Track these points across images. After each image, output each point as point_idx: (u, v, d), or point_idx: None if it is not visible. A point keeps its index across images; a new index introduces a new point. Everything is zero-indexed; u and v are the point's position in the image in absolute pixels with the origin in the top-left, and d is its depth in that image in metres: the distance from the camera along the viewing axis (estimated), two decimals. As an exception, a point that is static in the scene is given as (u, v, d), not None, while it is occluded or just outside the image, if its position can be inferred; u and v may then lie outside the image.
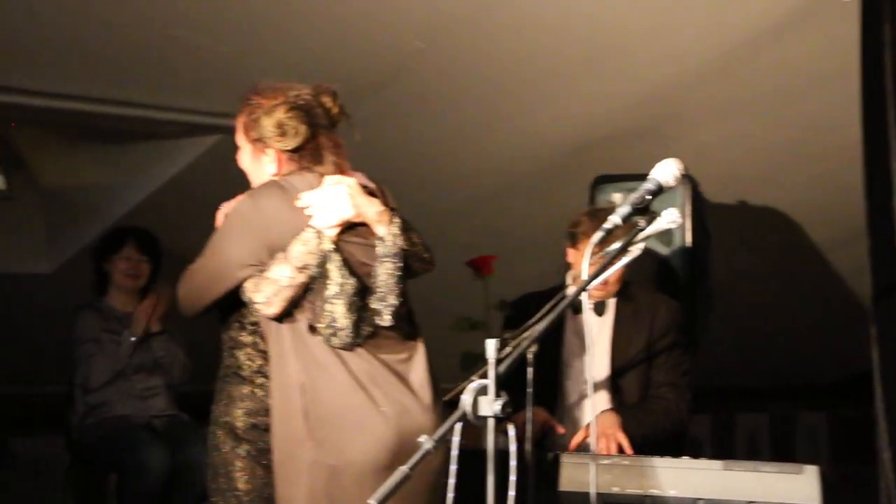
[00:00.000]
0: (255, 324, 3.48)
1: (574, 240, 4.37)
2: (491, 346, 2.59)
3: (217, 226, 3.48)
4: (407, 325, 3.43)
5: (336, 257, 3.25)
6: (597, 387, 4.38)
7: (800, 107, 6.02)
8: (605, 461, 3.75)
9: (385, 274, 3.34)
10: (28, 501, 5.49)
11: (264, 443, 3.47)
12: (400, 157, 6.09)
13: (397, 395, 3.28)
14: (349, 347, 3.25)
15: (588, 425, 4.22)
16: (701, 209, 5.37)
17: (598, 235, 2.98)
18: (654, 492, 3.65)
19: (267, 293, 3.24)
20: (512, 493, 2.62)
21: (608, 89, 5.75)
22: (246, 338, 3.52)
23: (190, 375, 5.65)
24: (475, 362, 4.39)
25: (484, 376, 2.60)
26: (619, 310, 4.45)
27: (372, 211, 3.33)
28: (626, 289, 4.48)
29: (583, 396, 4.38)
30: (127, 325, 5.57)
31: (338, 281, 3.24)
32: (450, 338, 4.60)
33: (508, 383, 2.62)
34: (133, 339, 5.51)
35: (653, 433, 4.24)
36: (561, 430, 4.25)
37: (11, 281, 6.21)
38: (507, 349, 2.68)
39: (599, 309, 4.42)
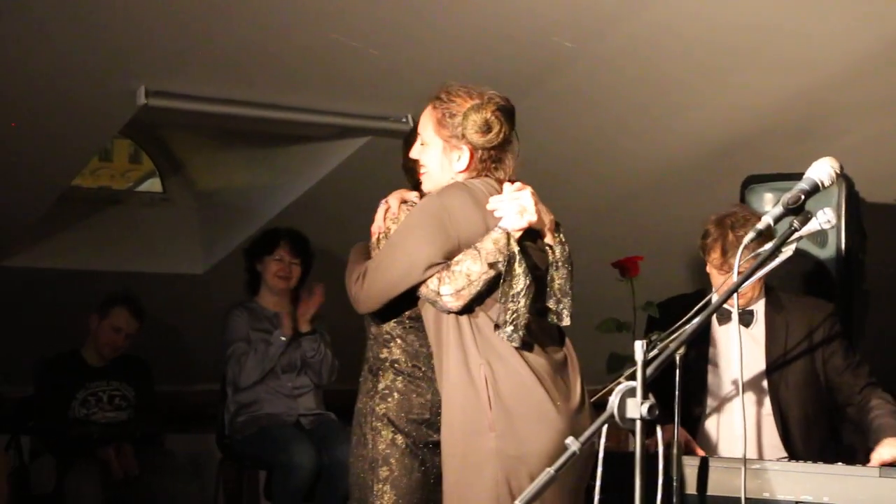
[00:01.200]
0: (414, 318, 3.59)
1: (704, 252, 4.28)
2: (639, 347, 2.57)
3: (382, 220, 3.62)
4: (559, 328, 3.55)
5: (521, 258, 3.35)
6: (751, 396, 4.28)
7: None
8: (755, 466, 3.68)
9: (561, 278, 3.52)
10: (180, 497, 5.61)
11: (418, 435, 3.58)
12: (549, 158, 6.06)
13: (564, 392, 3.39)
14: (525, 344, 3.34)
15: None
16: (856, 209, 5.23)
17: (748, 237, 2.93)
18: (806, 498, 3.57)
19: (457, 285, 3.33)
20: (660, 495, 2.59)
21: (760, 88, 5.66)
22: (404, 332, 3.63)
23: (337, 375, 5.72)
24: (622, 364, 4.34)
25: (631, 378, 2.58)
26: (769, 319, 4.32)
27: (547, 219, 3.50)
28: (774, 296, 4.34)
29: (728, 404, 4.29)
30: (277, 326, 5.65)
31: (523, 280, 3.34)
32: (596, 338, 4.58)
33: (652, 386, 2.59)
34: (283, 338, 5.60)
35: None
36: (700, 452, 4.16)
37: (167, 281, 6.36)
38: (655, 351, 2.66)
39: (746, 320, 4.30)
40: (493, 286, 3.35)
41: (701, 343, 4.29)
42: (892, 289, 6.58)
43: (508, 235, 3.35)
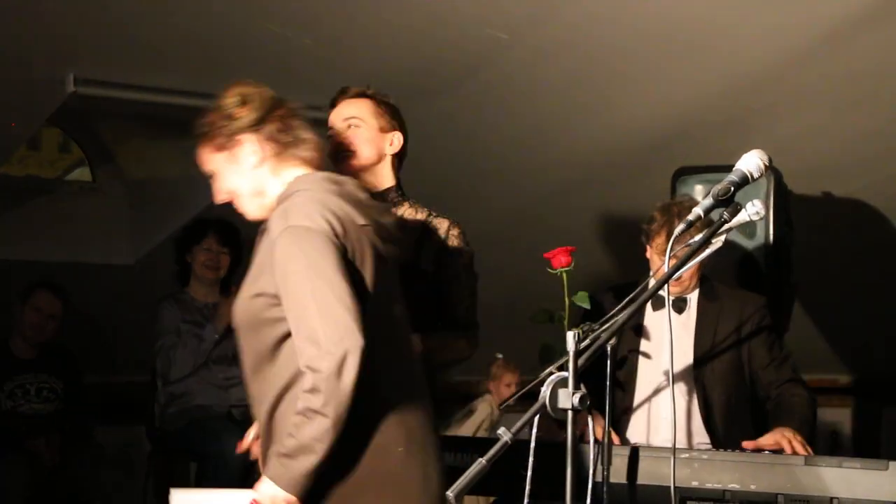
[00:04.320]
0: None
1: (648, 237, 4.33)
2: (571, 338, 2.58)
3: None
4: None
5: None
6: (680, 384, 4.33)
7: (885, 97, 5.93)
8: (684, 455, 3.72)
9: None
10: (110, 489, 5.57)
11: None
12: (480, 151, 6.09)
13: (434, 456, 3.05)
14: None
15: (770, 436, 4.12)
16: (785, 201, 5.30)
17: (679, 228, 2.95)
18: (734, 486, 3.61)
19: None
20: (590, 484, 2.61)
21: (690, 81, 5.70)
22: None
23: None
24: (554, 355, 4.37)
25: (563, 368, 2.59)
26: (701, 307, 4.39)
27: None
28: (708, 286, 4.41)
29: (658, 391, 4.34)
30: (207, 317, 5.62)
31: None
32: (529, 330, 4.60)
33: (585, 375, 2.61)
34: (217, 336, 5.56)
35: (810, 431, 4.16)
36: (616, 440, 4.20)
37: (97, 272, 6.30)
38: (587, 342, 2.67)
39: (679, 306, 4.36)
40: None
41: (634, 332, 4.34)
42: (819, 278, 6.68)
43: None
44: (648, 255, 4.35)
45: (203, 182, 6.25)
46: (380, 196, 3.82)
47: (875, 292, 7.49)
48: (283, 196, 2.95)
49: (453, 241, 3.83)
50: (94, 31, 4.75)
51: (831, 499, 3.50)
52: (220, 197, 3.10)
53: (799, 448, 3.94)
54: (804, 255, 5.58)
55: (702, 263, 4.14)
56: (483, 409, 7.23)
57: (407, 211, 3.86)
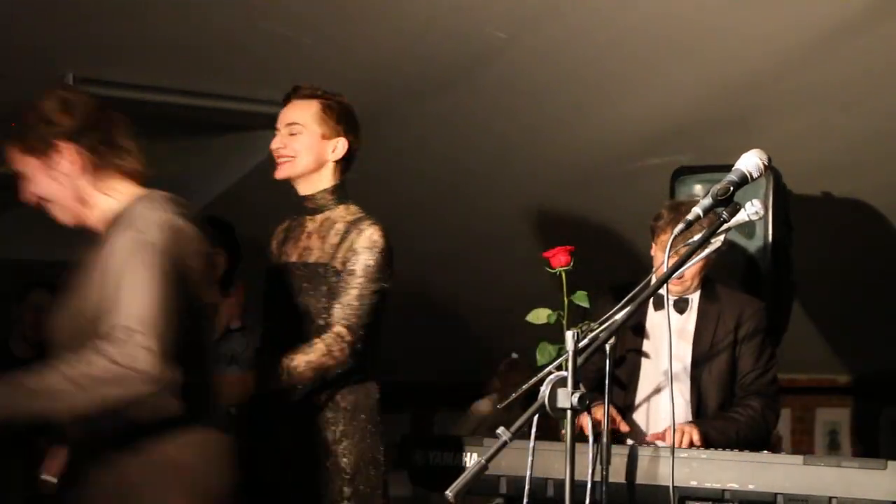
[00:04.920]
0: None
1: (654, 233, 4.33)
2: (570, 337, 2.58)
3: None
4: None
5: None
6: (678, 384, 4.33)
7: (884, 97, 5.93)
8: (683, 454, 3.72)
9: None
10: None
11: None
12: (478, 151, 6.08)
13: None
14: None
15: (667, 428, 4.18)
16: (784, 201, 5.30)
17: (678, 227, 2.95)
18: (733, 486, 3.61)
19: None
20: (590, 483, 2.62)
21: (689, 81, 5.70)
22: None
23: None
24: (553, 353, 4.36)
25: (562, 367, 2.60)
26: (701, 308, 4.39)
27: None
28: (710, 287, 4.41)
29: (658, 391, 4.34)
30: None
31: None
32: (528, 328, 4.60)
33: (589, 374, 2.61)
34: (216, 336, 5.55)
35: (735, 444, 4.18)
36: (625, 427, 4.21)
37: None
38: (585, 341, 2.67)
39: (681, 306, 4.37)
40: None
41: (636, 332, 4.34)
42: (818, 278, 6.68)
43: None
44: (653, 252, 4.35)
45: (200, 181, 6.27)
46: (309, 199, 3.78)
47: (875, 292, 7.49)
48: (123, 212, 2.94)
49: (363, 242, 3.68)
50: (94, 31, 4.75)
51: (830, 498, 3.50)
52: (29, 198, 3.03)
53: (683, 443, 4.02)
54: (804, 255, 5.58)
55: (705, 264, 4.15)
56: (485, 408, 7.23)
57: (339, 213, 3.77)
